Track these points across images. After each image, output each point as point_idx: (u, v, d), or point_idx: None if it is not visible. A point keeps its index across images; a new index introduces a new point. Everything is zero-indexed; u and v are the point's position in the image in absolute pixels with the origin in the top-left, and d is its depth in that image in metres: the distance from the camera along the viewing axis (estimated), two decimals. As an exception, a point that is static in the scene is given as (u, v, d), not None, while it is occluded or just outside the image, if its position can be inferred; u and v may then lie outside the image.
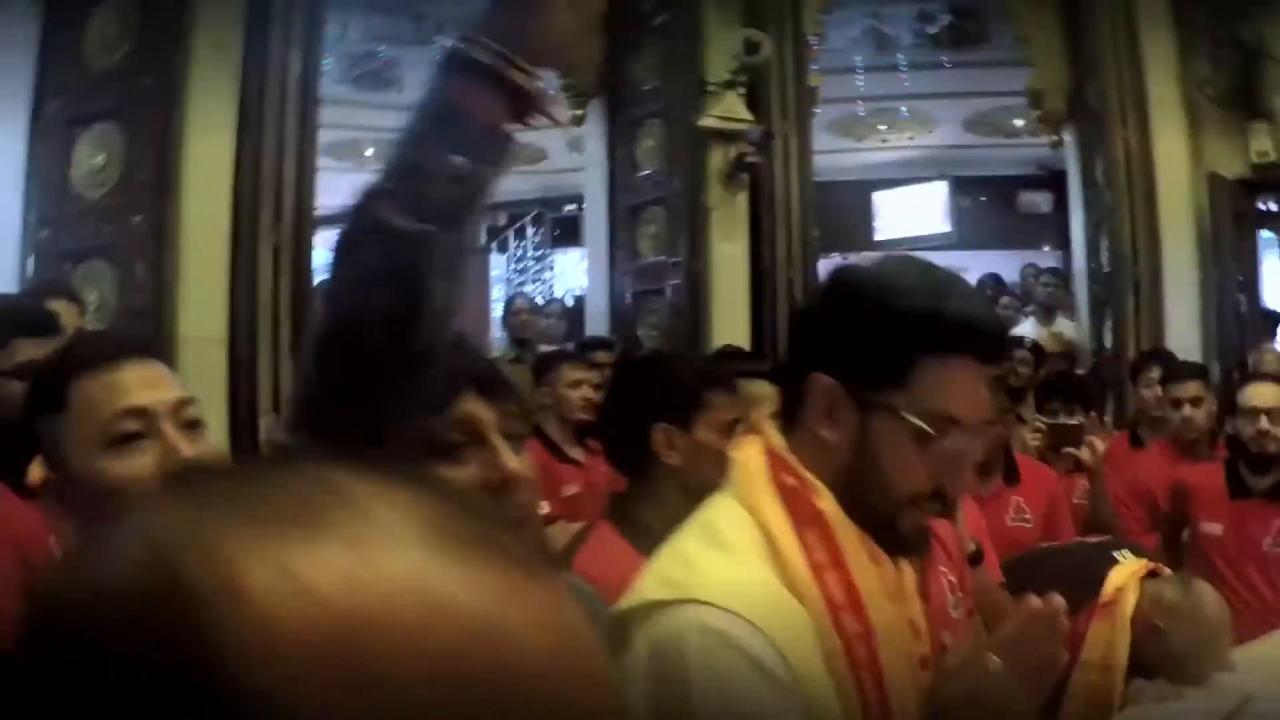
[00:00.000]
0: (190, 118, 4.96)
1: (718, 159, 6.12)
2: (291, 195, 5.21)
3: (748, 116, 6.05)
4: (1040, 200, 10.02)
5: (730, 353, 5.09)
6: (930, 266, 1.35)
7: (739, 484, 1.33)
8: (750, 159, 6.00)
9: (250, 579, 0.39)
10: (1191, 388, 4.33)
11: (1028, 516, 3.67)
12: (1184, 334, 6.30)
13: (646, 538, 2.02)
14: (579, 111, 6.62)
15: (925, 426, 1.26)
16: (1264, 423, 3.57)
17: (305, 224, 5.26)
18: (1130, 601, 2.43)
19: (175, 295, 4.94)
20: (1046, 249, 9.88)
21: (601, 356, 4.90)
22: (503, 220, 11.78)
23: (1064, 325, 7.01)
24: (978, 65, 8.45)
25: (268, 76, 5.11)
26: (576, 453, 4.08)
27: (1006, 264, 9.10)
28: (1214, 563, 3.56)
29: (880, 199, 11.12)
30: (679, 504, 2.07)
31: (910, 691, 1.28)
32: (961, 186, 10.87)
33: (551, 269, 11.51)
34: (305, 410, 1.11)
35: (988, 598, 2.62)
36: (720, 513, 1.33)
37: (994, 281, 7.79)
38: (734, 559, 1.26)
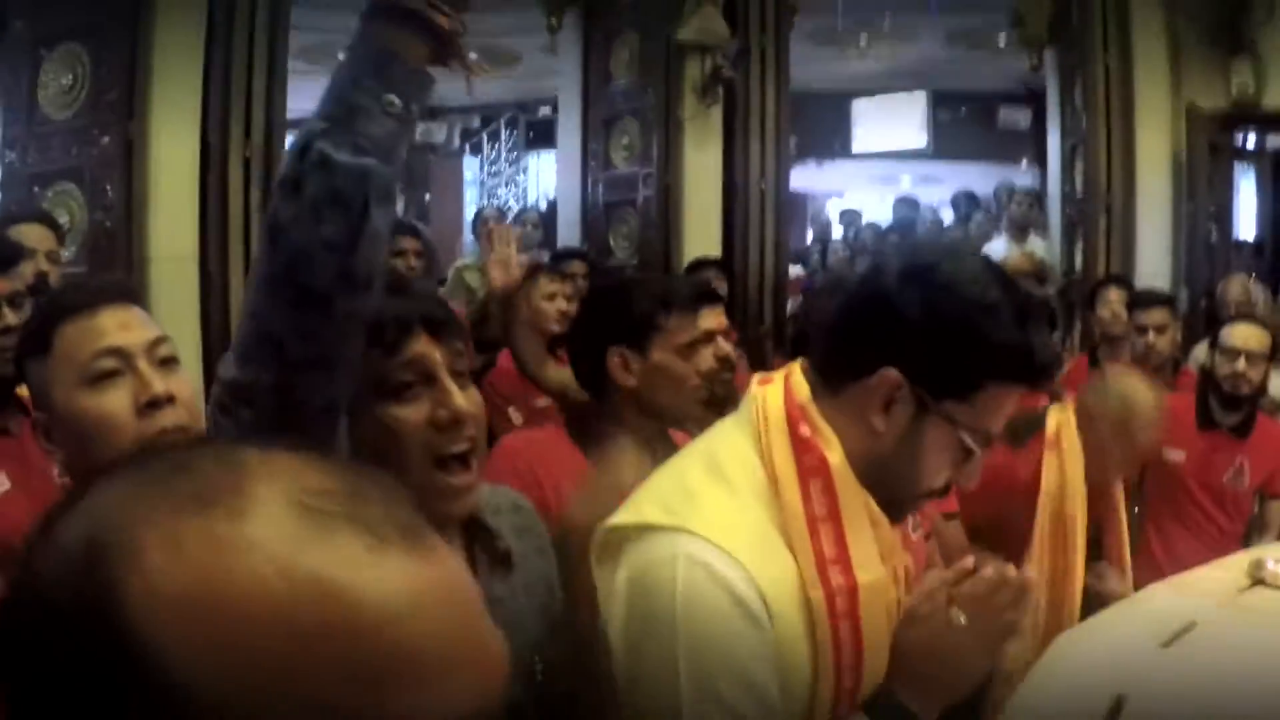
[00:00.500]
0: (158, 35, 4.88)
1: (693, 72, 6.05)
2: (262, 110, 5.15)
3: (725, 30, 5.95)
4: (1020, 117, 9.94)
5: (703, 263, 5.16)
6: (1007, 281, 1.38)
7: (755, 425, 1.37)
8: (726, 73, 5.93)
9: (145, 546, 0.48)
10: (1157, 315, 4.41)
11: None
12: (1155, 261, 6.38)
13: (600, 449, 2.11)
14: (554, 21, 6.50)
15: (973, 443, 1.35)
16: (1241, 364, 3.65)
17: (276, 138, 5.21)
18: (1072, 434, 2.64)
19: (146, 214, 4.91)
20: (1024, 166, 9.85)
21: (575, 268, 4.90)
22: (476, 123, 11.66)
23: (1036, 245, 7.03)
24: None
25: (237, -9, 5.03)
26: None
27: (983, 179, 9.07)
28: (1172, 489, 3.67)
29: (858, 108, 11.01)
30: (636, 422, 2.19)
31: (885, 646, 1.37)
32: (941, 99, 10.76)
33: (525, 172, 11.38)
34: (257, 344, 1.17)
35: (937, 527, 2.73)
36: (729, 450, 1.39)
37: (968, 199, 7.76)
38: (734, 497, 1.33)
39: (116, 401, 1.44)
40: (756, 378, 1.46)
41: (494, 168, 11.55)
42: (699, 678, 1.24)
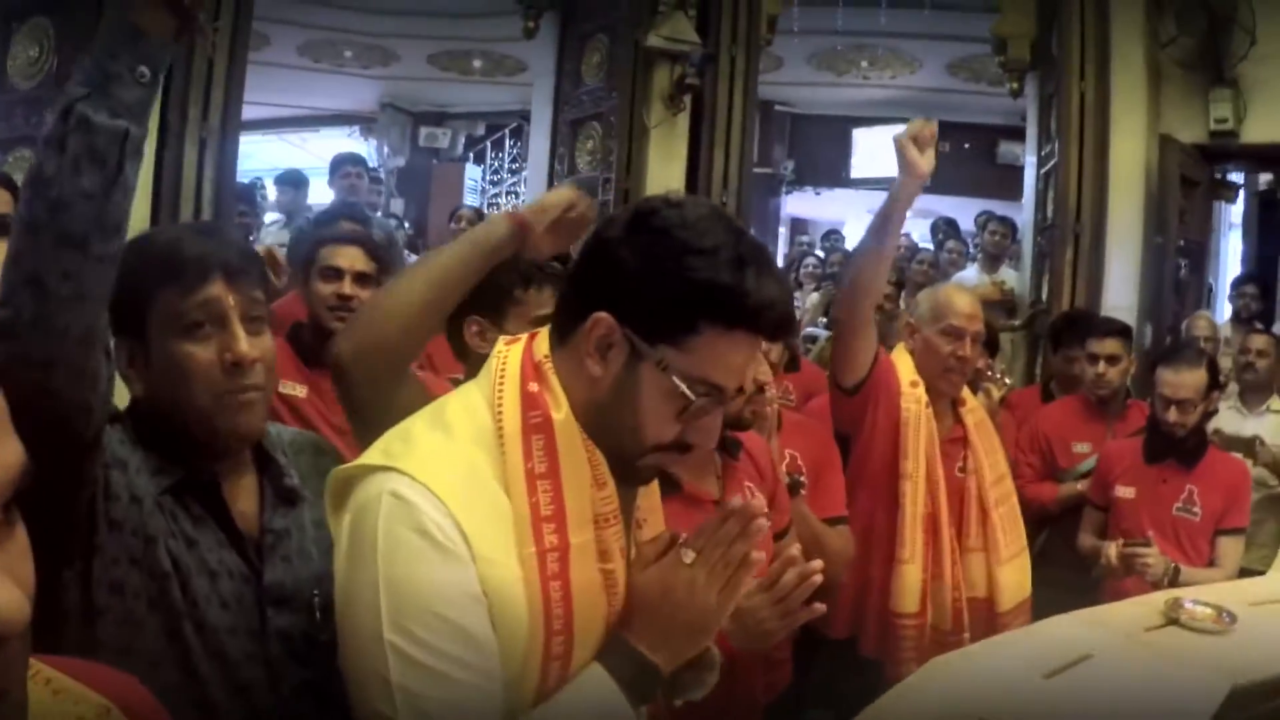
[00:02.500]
0: (124, 14, 5.00)
1: (661, 80, 6.08)
2: (221, 92, 5.25)
3: (694, 38, 5.98)
4: (1019, 151, 9.84)
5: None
6: (736, 229, 1.35)
7: (493, 380, 1.37)
8: (690, 80, 5.95)
9: None
10: (1109, 345, 4.36)
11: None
12: (1122, 293, 6.27)
13: None
14: (531, 24, 6.56)
15: (688, 391, 1.31)
16: (1173, 414, 3.67)
17: (232, 120, 5.31)
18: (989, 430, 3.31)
19: (100, 186, 5.01)
20: (1023, 202, 9.76)
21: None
22: (481, 130, 11.74)
23: (1008, 275, 6.97)
24: (959, 7, 8.28)
25: (202, -26, 5.13)
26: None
27: (976, 213, 8.98)
28: (1127, 527, 3.67)
29: (859, 136, 10.96)
30: None
31: (600, 612, 1.35)
32: (941, 131, 10.52)
33: (528, 181, 11.26)
34: (20, 284, 1.27)
35: (804, 526, 2.72)
36: (458, 403, 1.39)
37: (946, 224, 7.71)
38: (450, 441, 1.33)
39: None
40: (503, 338, 1.46)
41: (495, 176, 11.60)
42: (394, 611, 1.24)
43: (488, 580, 1.26)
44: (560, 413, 1.33)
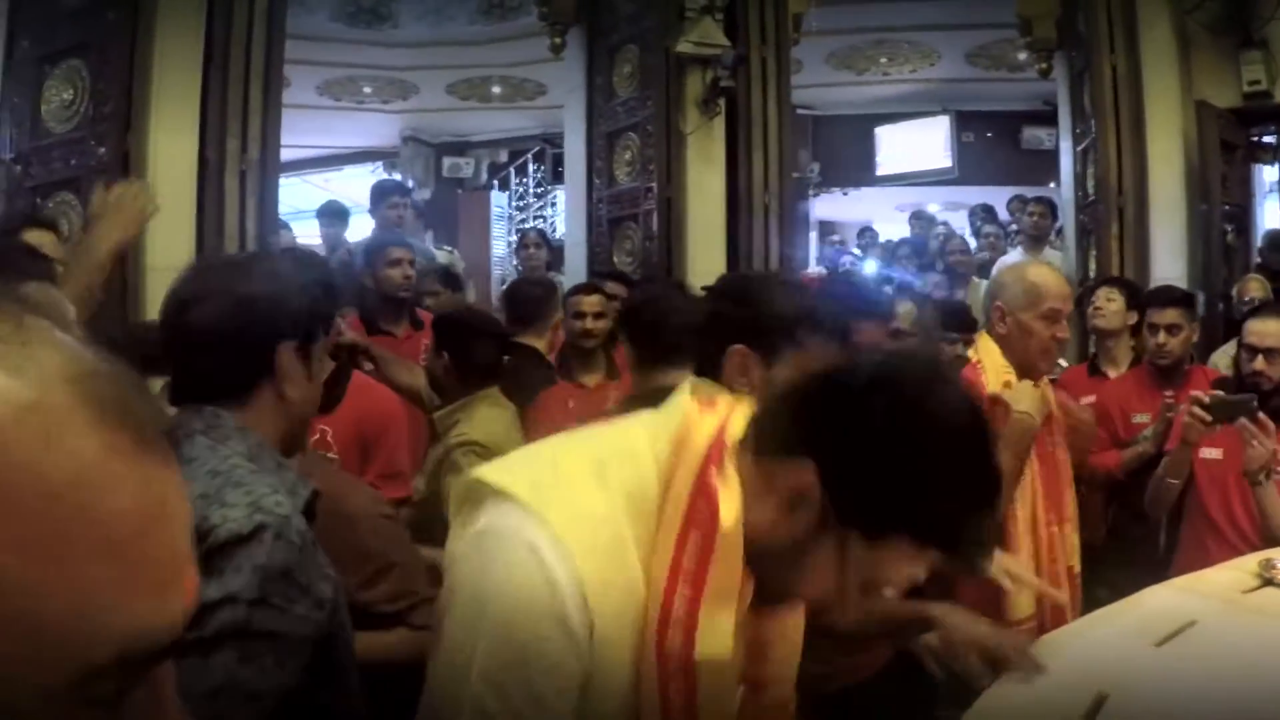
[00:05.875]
0: (158, 50, 5.03)
1: (694, 85, 6.08)
2: (258, 124, 5.26)
3: (724, 41, 5.98)
4: (1044, 135, 9.79)
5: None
6: (983, 453, 1.22)
7: (672, 439, 1.28)
8: (724, 83, 5.95)
9: None
10: (1169, 314, 4.30)
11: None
12: (1170, 263, 6.22)
13: None
14: (558, 40, 6.57)
15: (853, 585, 1.22)
16: (1259, 362, 3.57)
17: (271, 152, 5.32)
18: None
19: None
20: (1051, 185, 9.74)
21: (611, 287, 4.73)
22: (504, 157, 11.80)
23: (1053, 256, 6.91)
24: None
25: (234, 7, 5.17)
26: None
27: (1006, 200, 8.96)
28: (1212, 487, 3.55)
29: (882, 134, 11.00)
30: None
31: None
32: (964, 121, 10.67)
33: (554, 204, 11.32)
34: None
35: None
36: (621, 445, 1.30)
37: (984, 211, 7.69)
38: (602, 497, 1.24)
39: None
40: (698, 401, 1.34)
41: (521, 201, 11.65)
42: (489, 661, 1.19)
43: (599, 659, 1.21)
44: (729, 520, 1.21)
